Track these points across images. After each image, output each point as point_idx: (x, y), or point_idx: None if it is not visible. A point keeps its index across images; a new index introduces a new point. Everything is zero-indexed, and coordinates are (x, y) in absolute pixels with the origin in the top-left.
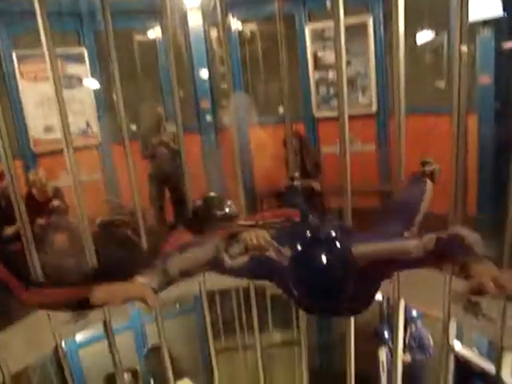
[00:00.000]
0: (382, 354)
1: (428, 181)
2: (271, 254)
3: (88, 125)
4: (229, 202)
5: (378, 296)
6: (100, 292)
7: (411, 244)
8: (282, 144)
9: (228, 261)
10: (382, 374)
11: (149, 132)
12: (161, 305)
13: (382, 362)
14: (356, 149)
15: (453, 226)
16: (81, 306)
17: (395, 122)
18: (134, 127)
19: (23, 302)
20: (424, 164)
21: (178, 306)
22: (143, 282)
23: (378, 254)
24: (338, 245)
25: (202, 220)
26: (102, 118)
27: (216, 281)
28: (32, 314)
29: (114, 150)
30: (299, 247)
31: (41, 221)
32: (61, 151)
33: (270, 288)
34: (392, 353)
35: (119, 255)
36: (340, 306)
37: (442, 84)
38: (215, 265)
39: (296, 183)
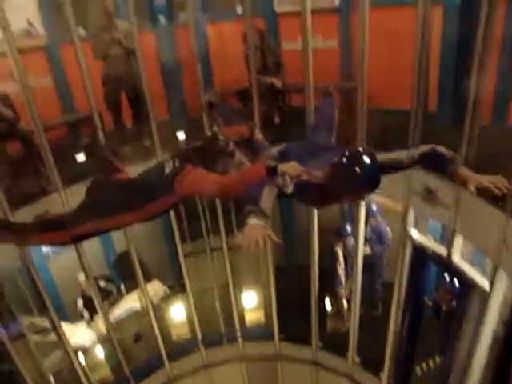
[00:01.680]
0: (339, 249)
1: (333, 98)
2: (305, 177)
3: (30, 24)
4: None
5: None
6: (242, 241)
7: (403, 155)
8: (241, 40)
9: (287, 190)
10: (338, 267)
11: (99, 29)
12: None
13: (338, 256)
14: (317, 45)
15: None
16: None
17: (358, 15)
18: (82, 31)
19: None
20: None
21: None
22: (258, 223)
23: (386, 162)
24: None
25: (207, 157)
26: (46, 16)
27: None
28: None
29: (62, 52)
30: (345, 160)
31: None
32: (4, 54)
33: None
34: (353, 246)
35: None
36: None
37: None
38: (280, 195)
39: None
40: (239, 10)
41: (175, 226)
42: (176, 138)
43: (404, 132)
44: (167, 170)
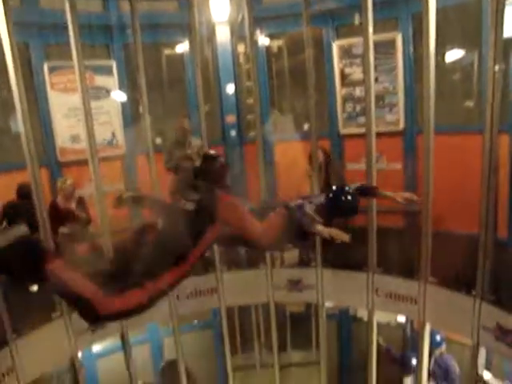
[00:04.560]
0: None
1: None
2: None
3: (114, 135)
4: None
5: (401, 319)
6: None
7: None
8: (307, 160)
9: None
10: None
11: (174, 145)
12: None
13: None
14: (381, 167)
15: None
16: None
17: (424, 141)
18: (159, 140)
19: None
20: None
21: (196, 321)
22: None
23: None
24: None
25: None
26: (128, 130)
27: (236, 297)
28: (50, 324)
29: (138, 161)
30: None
31: (64, 229)
32: (86, 161)
33: (290, 306)
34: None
35: None
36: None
37: (471, 103)
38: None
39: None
40: (306, 129)
41: (226, 336)
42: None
43: (472, 258)
44: (190, 207)
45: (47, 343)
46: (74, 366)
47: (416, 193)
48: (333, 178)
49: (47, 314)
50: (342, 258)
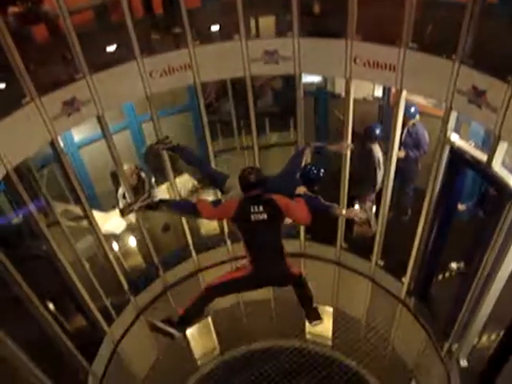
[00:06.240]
0: (377, 150)
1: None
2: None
3: None
4: None
5: (379, 93)
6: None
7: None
8: None
9: None
10: (378, 170)
11: None
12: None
13: (378, 159)
14: None
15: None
16: None
17: None
18: None
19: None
20: None
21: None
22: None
23: None
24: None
25: None
26: None
27: (211, 72)
28: (21, 109)
29: None
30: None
31: (14, 9)
32: None
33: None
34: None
35: None
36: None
37: None
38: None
39: None
40: None
41: (206, 124)
42: (208, 26)
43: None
44: (264, 217)
45: (23, 128)
46: (56, 151)
47: None
48: None
49: (17, 100)
50: (321, 26)
